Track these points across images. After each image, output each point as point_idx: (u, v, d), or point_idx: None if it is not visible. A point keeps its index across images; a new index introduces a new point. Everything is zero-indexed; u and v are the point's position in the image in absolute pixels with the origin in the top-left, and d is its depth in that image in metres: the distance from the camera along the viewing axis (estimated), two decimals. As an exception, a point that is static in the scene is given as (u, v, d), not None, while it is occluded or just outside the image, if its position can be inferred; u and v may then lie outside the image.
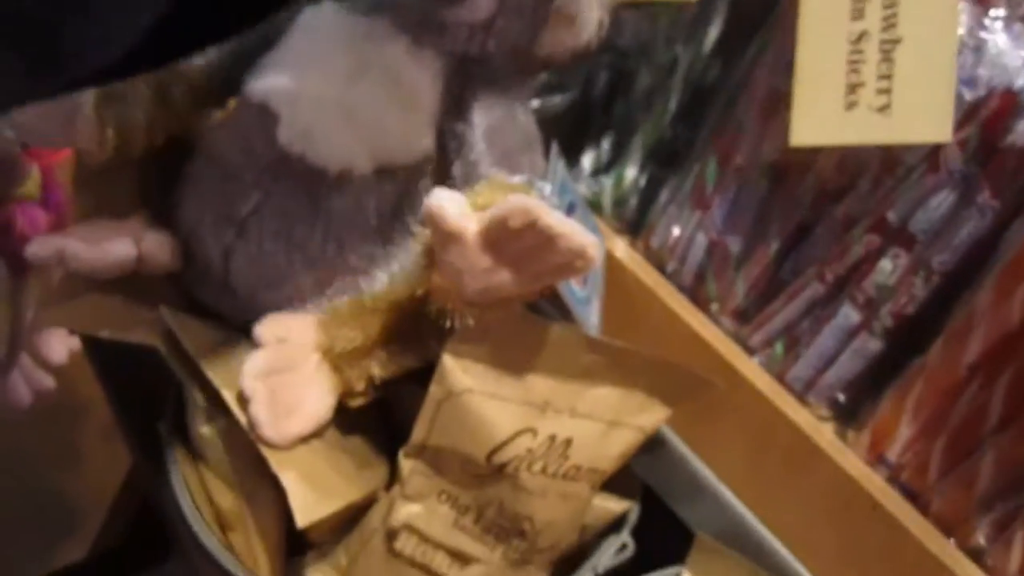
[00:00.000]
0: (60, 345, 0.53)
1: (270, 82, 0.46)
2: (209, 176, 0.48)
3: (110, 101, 0.46)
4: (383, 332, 0.45)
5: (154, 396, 0.52)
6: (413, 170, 0.47)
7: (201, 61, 0.48)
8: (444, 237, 0.37)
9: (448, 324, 0.41)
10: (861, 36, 0.42)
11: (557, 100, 0.57)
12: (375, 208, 0.47)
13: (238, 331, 0.48)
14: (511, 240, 0.36)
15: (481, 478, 0.43)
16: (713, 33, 0.52)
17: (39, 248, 0.46)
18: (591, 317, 0.47)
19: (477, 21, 0.46)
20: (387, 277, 0.48)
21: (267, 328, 0.47)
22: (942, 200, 0.43)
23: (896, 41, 0.41)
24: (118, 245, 0.47)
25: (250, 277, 0.48)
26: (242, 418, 0.44)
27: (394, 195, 0.47)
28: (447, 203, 0.37)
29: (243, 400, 0.44)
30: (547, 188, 0.44)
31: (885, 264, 0.45)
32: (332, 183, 0.46)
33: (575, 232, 0.35)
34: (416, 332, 0.44)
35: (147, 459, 0.53)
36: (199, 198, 0.48)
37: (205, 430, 0.48)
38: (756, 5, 0.51)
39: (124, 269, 0.48)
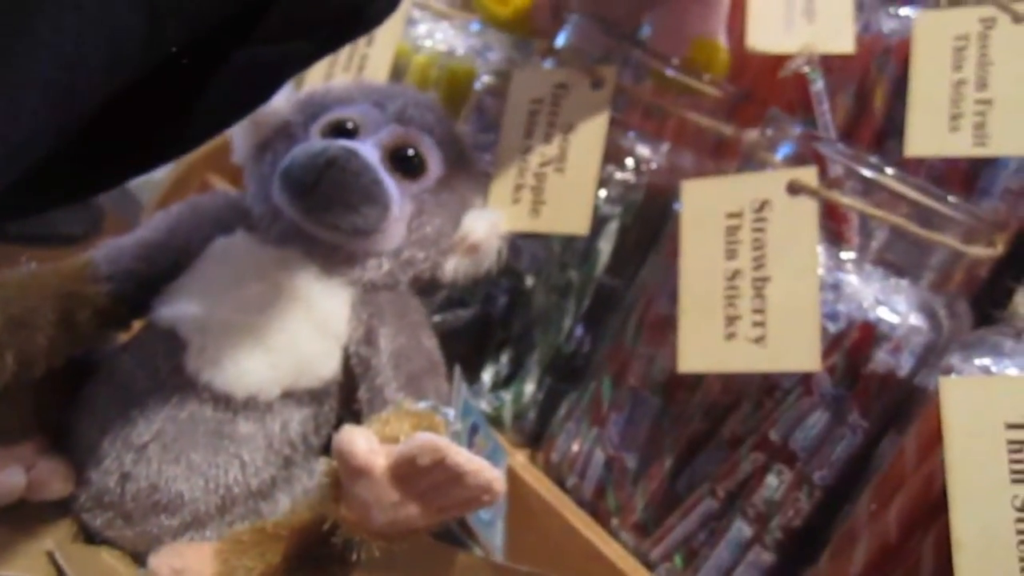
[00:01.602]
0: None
1: (180, 308, 0.47)
2: (110, 400, 0.47)
3: (12, 327, 0.45)
4: (285, 561, 0.44)
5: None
6: (319, 394, 0.48)
7: (109, 286, 0.49)
8: (353, 472, 0.38)
9: (354, 555, 0.41)
10: (735, 274, 0.47)
11: (458, 316, 0.60)
12: (279, 432, 0.47)
13: (133, 561, 0.46)
14: (419, 476, 0.37)
15: None
16: (603, 259, 0.57)
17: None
18: (495, 539, 0.47)
19: (385, 252, 0.49)
20: (290, 501, 0.48)
21: (163, 559, 0.45)
22: (817, 420, 0.46)
23: (766, 279, 0.46)
24: (6, 475, 0.46)
25: (148, 503, 0.47)
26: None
27: (299, 419, 0.47)
28: (357, 438, 0.38)
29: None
30: (451, 413, 0.45)
31: (771, 480, 0.47)
32: (237, 408, 0.46)
33: (481, 469, 0.37)
34: (320, 561, 0.44)
35: None
36: (98, 423, 0.47)
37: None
38: (643, 235, 0.56)
39: (11, 497, 0.46)
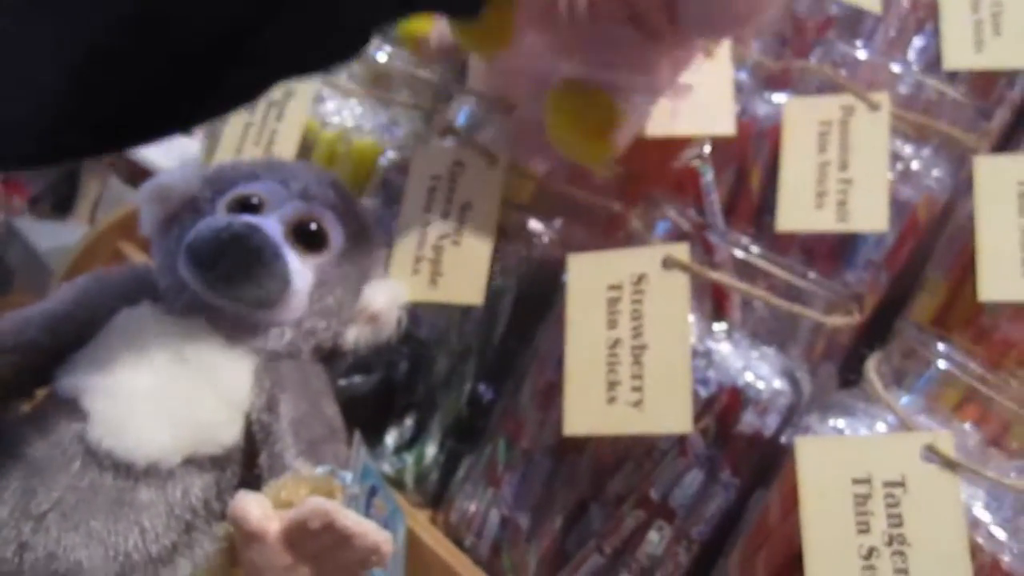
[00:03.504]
0: None
1: (83, 378, 0.49)
2: (10, 470, 0.48)
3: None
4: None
5: None
6: (221, 460, 0.49)
7: (14, 357, 0.50)
8: (247, 536, 0.40)
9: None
10: (616, 342, 0.50)
11: (362, 381, 0.62)
12: (181, 498, 0.48)
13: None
14: (310, 539, 0.39)
15: None
16: (500, 327, 0.60)
17: None
18: (392, 599, 0.49)
19: (288, 322, 0.52)
20: (190, 565, 0.49)
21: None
22: (693, 478, 0.50)
23: (643, 347, 0.49)
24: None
25: (46, 573, 0.47)
26: None
27: (201, 485, 0.49)
28: (250, 505, 0.40)
29: None
30: (348, 476, 0.47)
31: (653, 535, 0.50)
32: (138, 475, 0.47)
33: (369, 531, 0.39)
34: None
35: None
36: (-4, 493, 0.48)
37: None
38: (535, 305, 0.59)
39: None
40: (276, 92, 0.67)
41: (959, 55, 0.66)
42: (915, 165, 0.62)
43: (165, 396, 0.48)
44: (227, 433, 0.49)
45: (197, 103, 0.40)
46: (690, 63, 0.55)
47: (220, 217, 0.51)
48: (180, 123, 0.42)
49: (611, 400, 0.49)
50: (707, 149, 0.57)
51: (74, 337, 0.50)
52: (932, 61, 0.68)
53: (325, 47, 0.42)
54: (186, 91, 0.38)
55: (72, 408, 0.47)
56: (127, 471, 0.47)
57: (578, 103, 0.52)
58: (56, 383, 0.49)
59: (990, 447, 0.49)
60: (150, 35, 0.34)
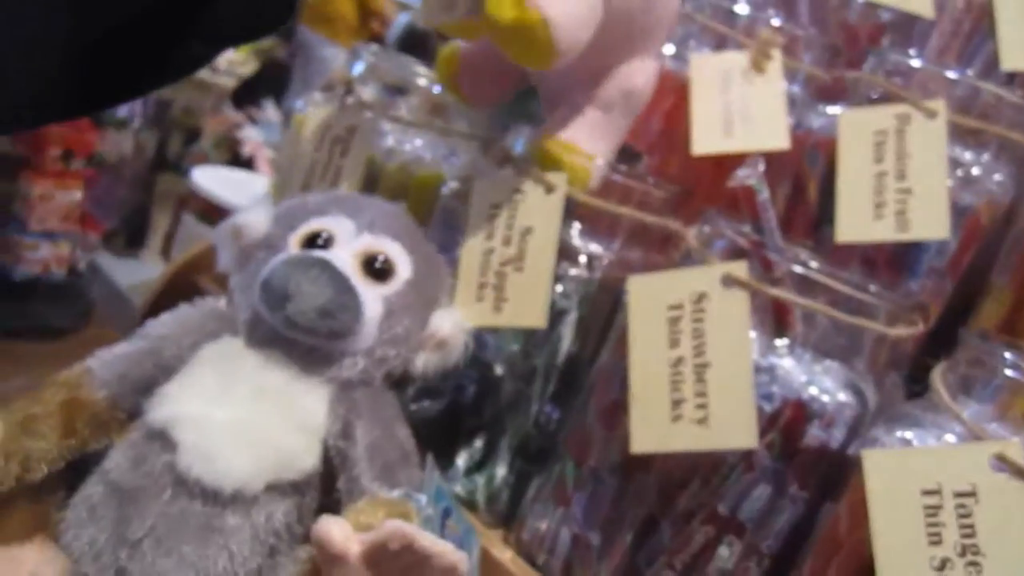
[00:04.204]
0: None
1: (171, 410, 0.51)
2: (105, 499, 0.51)
3: (17, 435, 0.49)
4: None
5: None
6: (301, 485, 0.52)
7: (106, 392, 0.53)
8: (330, 559, 0.42)
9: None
10: (678, 361, 0.51)
11: (431, 406, 0.64)
12: (265, 523, 0.50)
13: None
14: (390, 560, 0.41)
15: None
16: (564, 348, 0.61)
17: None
18: (469, 617, 0.50)
19: (360, 351, 0.54)
20: (276, 587, 0.51)
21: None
22: (760, 493, 0.50)
23: (706, 365, 0.50)
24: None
25: (141, 596, 0.50)
26: None
27: (283, 510, 0.51)
28: (333, 528, 0.42)
29: None
30: (423, 499, 0.49)
31: (723, 551, 0.51)
32: (225, 502, 0.50)
33: (446, 551, 0.40)
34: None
35: None
36: (95, 521, 0.50)
37: None
38: (598, 325, 0.61)
39: (14, 596, 0.49)
40: (339, 129, 0.70)
41: (1017, 56, 0.65)
42: (975, 170, 0.62)
43: (247, 425, 0.51)
44: (306, 459, 0.51)
45: (159, 72, 0.50)
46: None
47: (292, 253, 0.54)
48: (144, 89, 0.55)
49: (676, 418, 0.50)
50: (761, 167, 0.57)
51: (160, 371, 0.53)
52: (989, 64, 0.67)
53: (263, 16, 0.50)
54: (154, 61, 0.47)
55: (162, 439, 0.50)
56: (215, 498, 0.49)
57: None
58: (145, 416, 0.52)
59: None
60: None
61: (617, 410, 0.54)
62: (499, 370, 0.62)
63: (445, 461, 0.62)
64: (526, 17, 0.50)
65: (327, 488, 0.53)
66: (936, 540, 0.42)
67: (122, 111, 1.72)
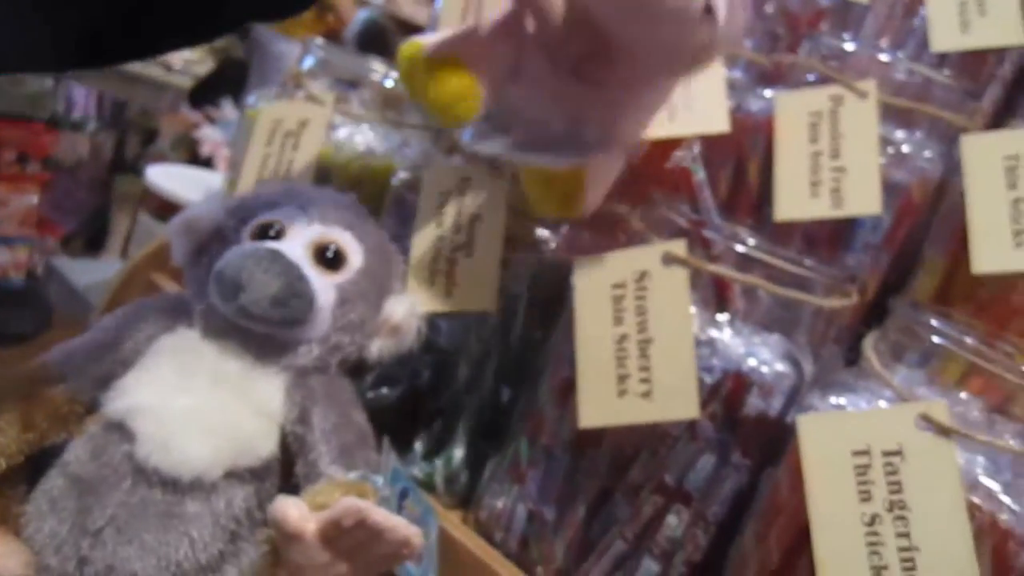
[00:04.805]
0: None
1: (129, 402, 0.52)
2: (66, 492, 0.51)
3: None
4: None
5: None
6: (260, 472, 0.53)
7: (64, 386, 0.54)
8: (287, 537, 0.43)
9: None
10: (623, 338, 0.53)
11: (388, 392, 0.65)
12: (225, 509, 0.51)
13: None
14: (345, 536, 0.42)
15: None
16: (516, 331, 0.63)
17: None
18: (427, 593, 0.52)
19: (314, 339, 0.55)
20: (237, 573, 0.52)
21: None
22: (705, 462, 0.52)
23: (649, 341, 0.52)
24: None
25: (104, 584, 0.51)
26: None
27: (242, 496, 0.52)
28: (289, 508, 0.43)
29: None
30: (380, 480, 0.50)
31: (671, 519, 0.53)
32: (185, 489, 0.50)
33: (398, 526, 0.42)
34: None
35: None
36: (56, 513, 0.51)
37: None
38: (548, 308, 0.62)
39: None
40: (291, 123, 0.71)
41: (946, 37, 0.68)
42: (906, 148, 0.64)
43: (204, 414, 0.52)
44: (264, 445, 0.53)
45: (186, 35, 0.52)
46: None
47: (246, 245, 0.55)
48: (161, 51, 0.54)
49: (622, 393, 0.52)
50: (697, 149, 0.59)
51: (118, 364, 0.54)
52: (920, 46, 0.70)
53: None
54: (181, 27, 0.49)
55: (120, 430, 0.51)
56: (174, 486, 0.50)
57: (545, 174, 0.55)
58: (104, 408, 0.53)
59: (995, 415, 0.51)
60: None
61: (568, 388, 0.55)
62: (453, 355, 0.64)
63: (404, 446, 0.64)
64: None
65: (286, 474, 0.54)
66: (866, 497, 0.45)
67: (77, 113, 1.71)
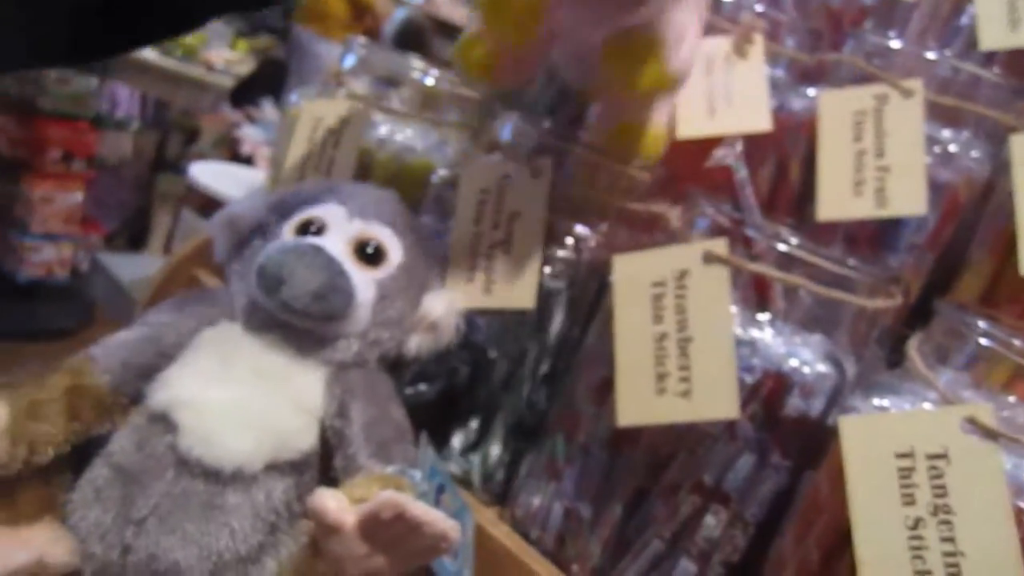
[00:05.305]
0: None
1: (172, 394, 0.53)
2: (110, 480, 0.53)
3: (25, 420, 0.51)
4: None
5: None
6: (299, 465, 0.53)
7: (108, 378, 0.55)
8: (326, 529, 0.43)
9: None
10: (663, 336, 0.53)
11: (426, 389, 0.65)
12: (265, 501, 0.52)
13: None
14: (383, 529, 0.42)
15: None
16: (554, 329, 0.63)
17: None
18: (463, 588, 0.52)
19: (353, 334, 0.55)
20: (276, 564, 0.53)
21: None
22: (744, 463, 0.52)
23: (689, 340, 0.52)
24: (15, 555, 0.51)
25: (147, 572, 0.52)
26: None
27: (282, 488, 0.53)
28: (328, 500, 0.43)
29: None
30: (417, 475, 0.51)
31: (709, 520, 0.53)
32: (226, 481, 0.51)
33: (437, 519, 0.42)
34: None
35: None
36: (100, 502, 0.52)
37: None
38: (586, 306, 0.62)
39: (24, 575, 0.51)
40: (332, 120, 0.72)
41: (995, 35, 0.67)
42: (953, 148, 0.63)
43: (246, 407, 0.52)
44: (303, 439, 0.53)
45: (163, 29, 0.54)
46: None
47: (287, 241, 0.55)
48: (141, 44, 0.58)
49: (660, 391, 0.52)
50: (739, 147, 0.59)
51: (161, 357, 0.55)
52: (968, 44, 0.69)
53: None
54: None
55: (164, 422, 0.52)
56: (216, 477, 0.51)
57: (626, 42, 0.54)
58: (147, 400, 0.54)
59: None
60: None
61: (605, 386, 0.55)
62: (491, 352, 0.64)
63: (441, 442, 0.64)
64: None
65: (325, 467, 0.54)
66: (910, 500, 0.44)
67: (120, 112, 1.74)
